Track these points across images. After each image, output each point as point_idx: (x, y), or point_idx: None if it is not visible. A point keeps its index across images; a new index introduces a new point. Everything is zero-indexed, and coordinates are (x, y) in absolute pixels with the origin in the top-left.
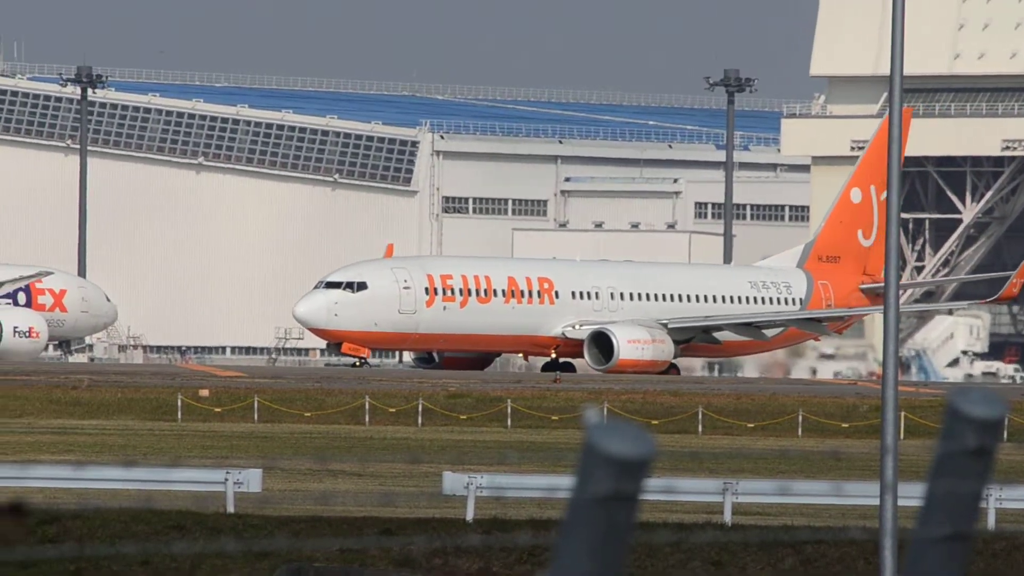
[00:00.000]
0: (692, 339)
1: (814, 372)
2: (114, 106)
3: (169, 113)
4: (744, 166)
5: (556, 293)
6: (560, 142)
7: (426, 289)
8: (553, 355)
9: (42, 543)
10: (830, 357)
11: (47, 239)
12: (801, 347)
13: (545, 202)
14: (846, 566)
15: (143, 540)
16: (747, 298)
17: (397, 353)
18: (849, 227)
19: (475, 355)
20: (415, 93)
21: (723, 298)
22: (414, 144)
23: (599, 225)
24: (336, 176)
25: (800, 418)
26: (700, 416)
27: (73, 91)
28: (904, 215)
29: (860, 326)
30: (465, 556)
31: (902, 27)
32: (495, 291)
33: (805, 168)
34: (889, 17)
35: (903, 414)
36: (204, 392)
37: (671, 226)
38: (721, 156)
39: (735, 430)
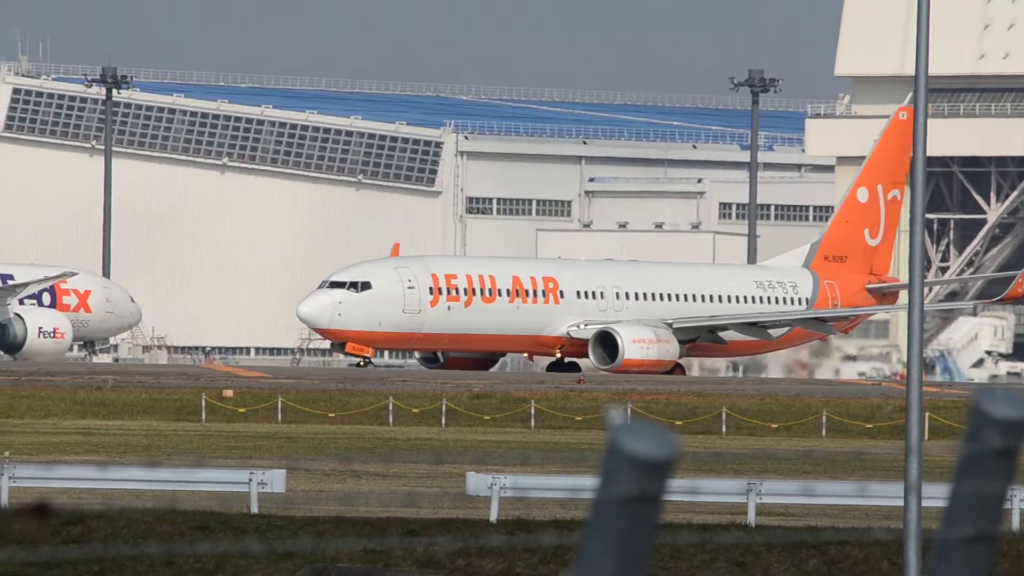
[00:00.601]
0: (697, 339)
1: (838, 373)
2: (139, 107)
3: (194, 114)
4: (768, 166)
5: (561, 293)
6: (584, 142)
7: (430, 289)
8: (558, 355)
9: (67, 543)
10: (854, 358)
11: (72, 240)
12: (825, 347)
13: (569, 202)
14: (870, 567)
15: (167, 540)
16: (753, 298)
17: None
18: (855, 226)
19: (480, 355)
20: (439, 93)
21: (729, 298)
22: (438, 145)
23: (623, 225)
24: (360, 176)
25: (824, 419)
26: (724, 417)
27: (98, 92)
28: (929, 215)
29: (884, 327)
30: (489, 557)
31: (927, 27)
32: (500, 291)
33: (829, 168)
34: (914, 17)
35: (927, 415)
36: (228, 393)
37: (695, 226)
38: (745, 156)
39: (759, 431)
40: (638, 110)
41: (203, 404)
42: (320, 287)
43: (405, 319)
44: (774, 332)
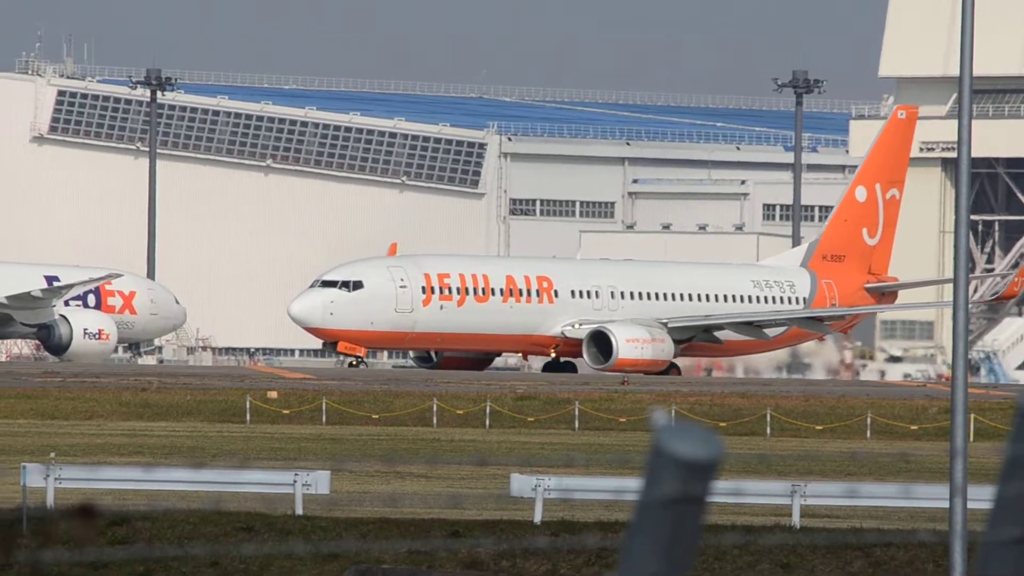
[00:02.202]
0: (693, 338)
1: (883, 374)
2: (183, 108)
3: (238, 115)
4: (812, 168)
5: (555, 292)
6: (628, 144)
7: (423, 288)
8: (553, 355)
9: (112, 544)
10: (899, 359)
11: (117, 241)
12: (869, 349)
13: (612, 204)
14: (915, 569)
15: (212, 541)
16: (750, 297)
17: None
18: (854, 226)
19: (474, 355)
20: (483, 95)
21: (725, 297)
22: (481, 146)
23: (666, 227)
24: (404, 178)
25: (869, 420)
26: (768, 418)
27: (143, 93)
28: (974, 217)
29: (929, 328)
30: (533, 558)
31: (971, 27)
32: (493, 290)
33: None
34: (958, 18)
35: (972, 416)
36: (272, 394)
37: (739, 228)
38: (789, 158)
39: (803, 432)
40: (682, 111)
41: (247, 406)
42: (312, 286)
43: (397, 318)
44: (770, 332)
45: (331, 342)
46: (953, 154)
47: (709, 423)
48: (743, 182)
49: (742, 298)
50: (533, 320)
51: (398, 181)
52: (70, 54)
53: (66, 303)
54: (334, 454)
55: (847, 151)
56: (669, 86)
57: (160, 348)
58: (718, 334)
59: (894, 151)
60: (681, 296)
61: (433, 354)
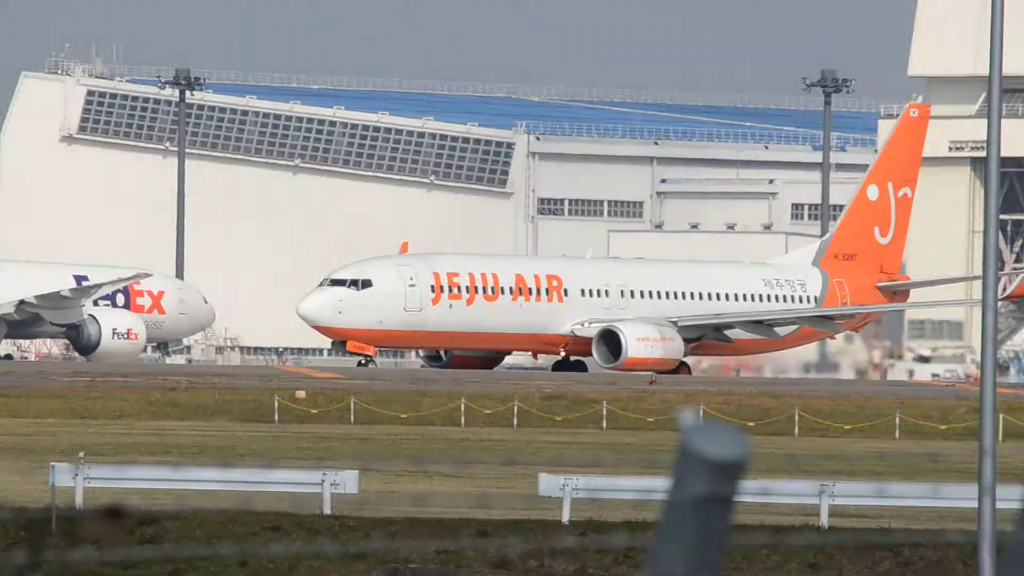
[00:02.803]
0: (703, 337)
1: (911, 374)
2: (212, 108)
3: (266, 115)
4: (841, 167)
5: (565, 291)
6: (656, 143)
7: (432, 287)
8: (562, 353)
9: (141, 544)
10: (928, 359)
11: (145, 241)
12: (898, 349)
13: (641, 203)
14: (944, 569)
15: (240, 541)
16: (760, 296)
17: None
18: (866, 224)
19: (484, 354)
20: (511, 95)
21: (736, 296)
22: (510, 145)
23: (695, 226)
24: (432, 178)
25: (897, 420)
26: (796, 418)
27: (171, 93)
28: (1003, 216)
29: (958, 328)
30: (561, 558)
31: (1001, 26)
32: (503, 289)
33: None
34: (988, 16)
35: (1001, 416)
36: (301, 394)
37: (767, 227)
38: (818, 157)
39: (832, 432)
40: (710, 111)
41: (276, 405)
42: (321, 285)
43: (407, 317)
44: (781, 331)
45: (340, 341)
46: (982, 153)
47: (737, 423)
48: (771, 181)
49: (753, 297)
50: (543, 319)
51: (426, 181)
52: (99, 54)
53: (95, 303)
54: (362, 454)
55: (876, 150)
56: (698, 86)
57: (189, 348)
58: (728, 333)
59: (906, 149)
60: (691, 295)
61: (442, 353)
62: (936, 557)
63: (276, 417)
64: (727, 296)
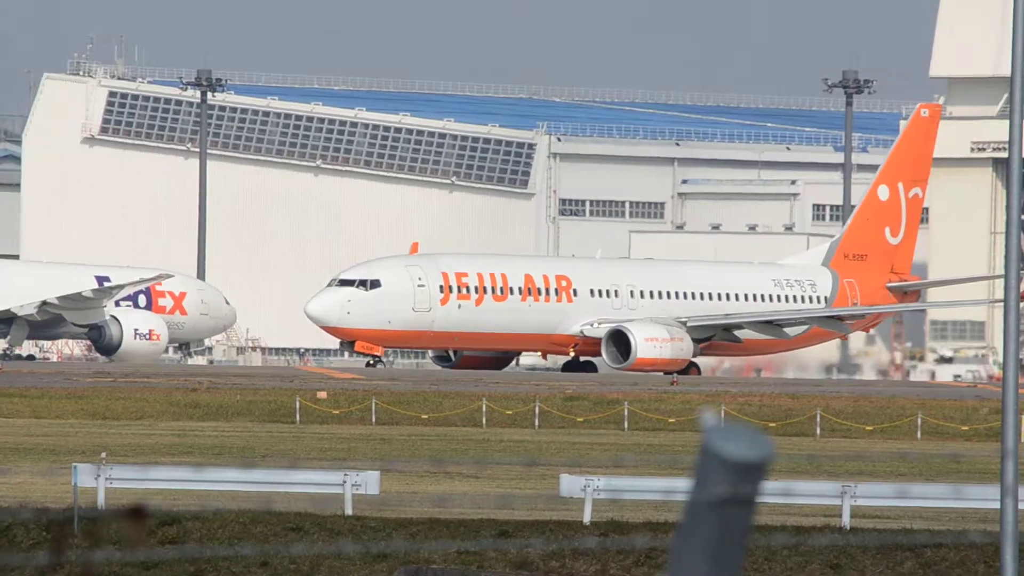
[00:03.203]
0: (712, 337)
1: (933, 375)
2: (233, 109)
3: (288, 116)
4: (862, 168)
5: (574, 291)
6: (677, 144)
7: (440, 287)
8: (572, 354)
9: (162, 544)
10: (950, 360)
11: (167, 242)
12: (919, 350)
13: (662, 204)
14: (966, 570)
15: (262, 542)
16: (770, 296)
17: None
18: (876, 225)
19: (494, 354)
20: (532, 95)
21: (745, 296)
22: (531, 146)
23: (716, 227)
24: (453, 179)
25: (919, 421)
26: (818, 419)
27: (193, 94)
28: None
29: (980, 328)
30: (582, 558)
31: (1023, 27)
32: (512, 289)
33: None
34: (1010, 17)
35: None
36: (322, 394)
37: (789, 228)
38: (839, 158)
39: (853, 433)
40: (732, 112)
41: (297, 406)
42: (329, 285)
43: (415, 317)
44: (791, 331)
45: (348, 341)
46: (1004, 154)
47: (759, 424)
48: (793, 182)
49: (762, 297)
50: (552, 319)
51: (448, 182)
52: (121, 55)
53: (117, 303)
54: (384, 454)
55: None
56: (719, 86)
57: (210, 348)
58: (738, 333)
59: (916, 149)
60: (701, 295)
61: (451, 353)
62: (958, 558)
63: (297, 418)
64: (737, 296)
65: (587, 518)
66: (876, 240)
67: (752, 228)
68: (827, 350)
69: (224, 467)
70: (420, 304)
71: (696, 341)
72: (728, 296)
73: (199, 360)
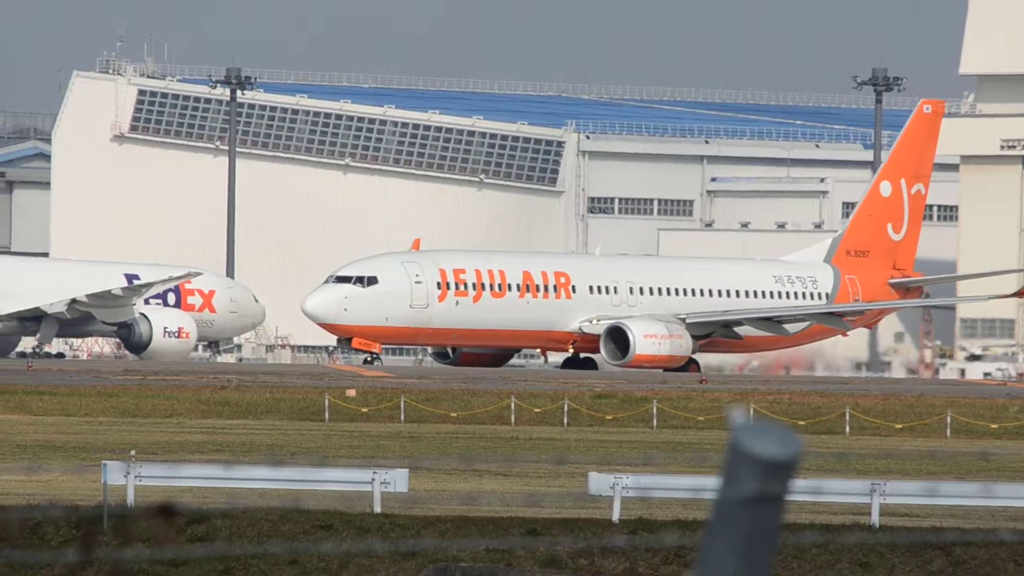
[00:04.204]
0: (712, 334)
1: (963, 373)
2: (262, 107)
3: (317, 114)
4: None
5: (573, 288)
6: (706, 142)
7: (438, 283)
8: (571, 351)
9: (192, 542)
10: (979, 358)
11: (196, 240)
12: (949, 348)
13: (691, 202)
14: (995, 568)
15: (291, 539)
16: (771, 293)
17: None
18: (878, 221)
19: (493, 351)
20: (561, 93)
21: (746, 293)
22: (560, 144)
23: (745, 225)
24: (482, 176)
25: (949, 419)
26: (847, 417)
27: (222, 92)
28: None
29: (1010, 326)
30: (611, 556)
31: None
32: (510, 285)
33: (954, 167)
34: None
35: None
36: (351, 392)
37: (818, 226)
38: (868, 156)
39: (883, 431)
40: (761, 109)
41: (326, 404)
42: (326, 281)
43: (412, 314)
44: (791, 327)
45: (345, 338)
46: None
47: (788, 422)
48: (822, 180)
49: (763, 294)
50: (550, 316)
51: (476, 179)
52: (151, 53)
53: (146, 302)
54: (412, 452)
55: None
56: (748, 84)
57: (239, 346)
58: (738, 330)
59: (919, 146)
60: (701, 292)
61: (450, 350)
62: (987, 556)
63: (326, 416)
64: (737, 293)
65: (616, 516)
66: (878, 236)
67: (781, 226)
68: (856, 348)
69: (253, 465)
70: (417, 301)
71: (696, 338)
72: (728, 293)
73: (228, 358)
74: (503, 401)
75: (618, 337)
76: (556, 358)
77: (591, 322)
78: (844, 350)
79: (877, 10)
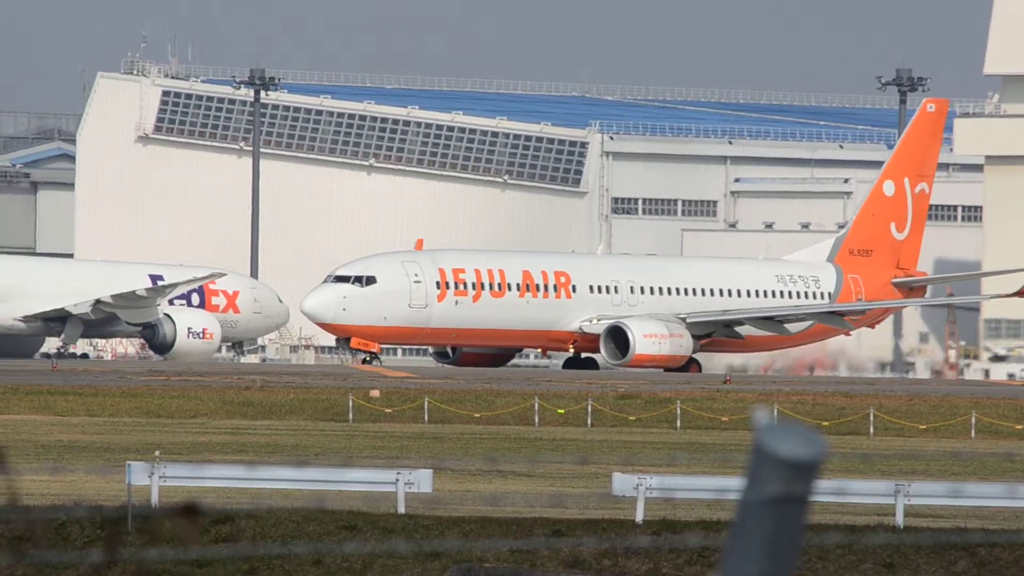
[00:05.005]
0: (713, 334)
1: (987, 373)
2: (286, 108)
3: (340, 115)
4: None
5: (573, 287)
6: (730, 142)
7: (437, 283)
8: (571, 350)
9: (216, 542)
10: (1004, 358)
11: (220, 240)
12: (973, 348)
13: (715, 202)
14: (1020, 569)
15: (315, 540)
16: (773, 292)
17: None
18: (882, 220)
19: (494, 350)
20: (584, 94)
21: (747, 292)
22: (583, 145)
23: (769, 226)
24: (505, 177)
25: (973, 419)
26: (871, 417)
27: (246, 93)
28: None
29: None
30: (635, 557)
31: None
32: (509, 285)
33: (978, 168)
34: None
35: None
36: (375, 393)
37: (842, 226)
38: None
39: (907, 431)
40: (784, 110)
41: (350, 404)
42: (325, 281)
43: (411, 314)
44: (793, 327)
45: (344, 338)
46: None
47: (812, 422)
48: (846, 181)
49: (764, 293)
50: (550, 315)
51: (500, 180)
52: (175, 54)
53: (170, 302)
54: (436, 453)
55: (951, 149)
56: (772, 85)
57: (263, 347)
58: (739, 329)
59: (923, 145)
60: (702, 291)
61: (451, 350)
62: (1012, 557)
63: (350, 416)
64: (739, 292)
65: (639, 517)
66: (881, 236)
67: (805, 227)
68: (881, 349)
69: (277, 465)
70: (416, 300)
71: (696, 337)
72: (729, 292)
73: (252, 359)
74: (527, 402)
75: (618, 337)
76: (557, 359)
77: (591, 322)
78: (868, 351)
79: (901, 11)
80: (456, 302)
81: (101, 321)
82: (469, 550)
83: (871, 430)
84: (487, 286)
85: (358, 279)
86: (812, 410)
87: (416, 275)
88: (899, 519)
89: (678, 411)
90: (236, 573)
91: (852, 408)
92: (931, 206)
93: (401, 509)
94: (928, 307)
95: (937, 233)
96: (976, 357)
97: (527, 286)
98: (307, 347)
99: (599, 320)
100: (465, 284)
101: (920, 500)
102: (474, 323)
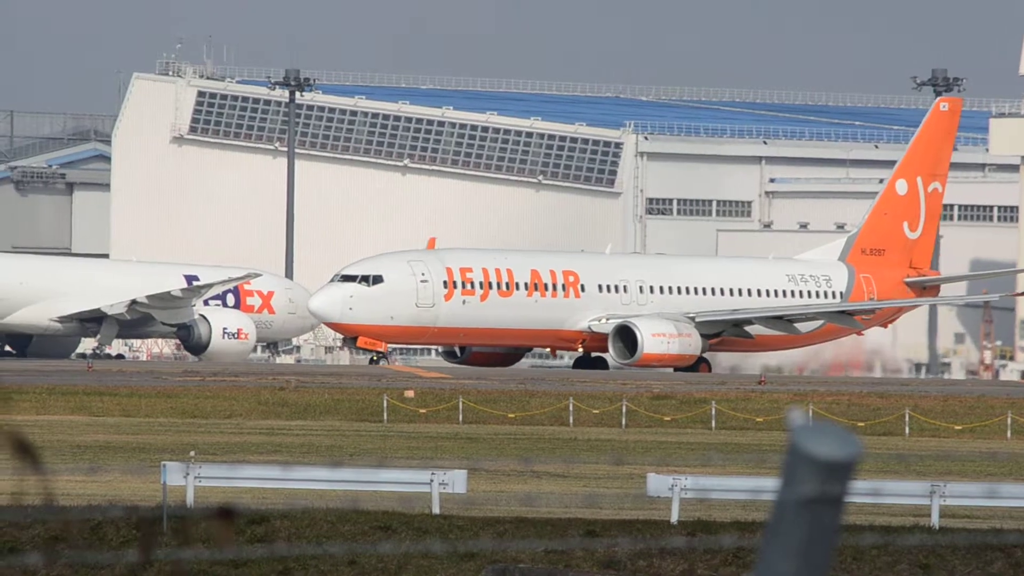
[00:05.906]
0: (722, 333)
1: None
2: (321, 108)
3: (375, 115)
4: (952, 166)
5: (582, 286)
6: (765, 143)
7: (444, 282)
8: (580, 350)
9: (251, 543)
10: None
11: (255, 240)
12: (1009, 349)
13: (750, 203)
14: None
15: (350, 540)
16: (783, 291)
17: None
18: (894, 219)
19: (503, 350)
20: (619, 94)
21: (757, 291)
22: (618, 145)
23: (804, 226)
24: (540, 177)
25: (1009, 420)
26: (907, 418)
27: (281, 94)
28: None
29: None
30: (670, 558)
31: None
32: (517, 284)
33: (1014, 168)
34: None
35: None
36: (409, 393)
37: (841, 226)
38: None
39: (942, 432)
40: (819, 111)
41: (385, 404)
42: (332, 280)
43: (418, 313)
44: (803, 327)
45: (351, 337)
46: None
47: (847, 423)
48: (881, 181)
49: (775, 292)
50: (559, 315)
51: (534, 180)
52: (210, 55)
53: (205, 303)
54: (471, 453)
55: (987, 149)
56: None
57: (298, 347)
58: (749, 329)
59: (936, 144)
60: (712, 290)
61: (459, 350)
62: None
63: (385, 417)
64: (748, 291)
65: (674, 517)
66: (894, 235)
67: (840, 227)
68: (916, 349)
69: (312, 466)
70: (423, 300)
71: (705, 336)
72: (739, 291)
73: (287, 359)
74: (561, 402)
75: (626, 336)
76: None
77: (600, 321)
78: (903, 351)
79: (937, 11)
80: (463, 301)
81: (136, 322)
82: (504, 551)
83: (906, 431)
84: (495, 285)
85: (365, 278)
86: (847, 410)
87: (423, 274)
88: (935, 520)
89: (713, 411)
90: (271, 573)
91: (887, 409)
92: (966, 206)
93: (436, 509)
94: (964, 308)
95: (973, 233)
96: (1012, 358)
97: (535, 285)
98: (342, 348)
99: (608, 319)
100: (472, 283)
101: (956, 501)
102: (482, 322)
